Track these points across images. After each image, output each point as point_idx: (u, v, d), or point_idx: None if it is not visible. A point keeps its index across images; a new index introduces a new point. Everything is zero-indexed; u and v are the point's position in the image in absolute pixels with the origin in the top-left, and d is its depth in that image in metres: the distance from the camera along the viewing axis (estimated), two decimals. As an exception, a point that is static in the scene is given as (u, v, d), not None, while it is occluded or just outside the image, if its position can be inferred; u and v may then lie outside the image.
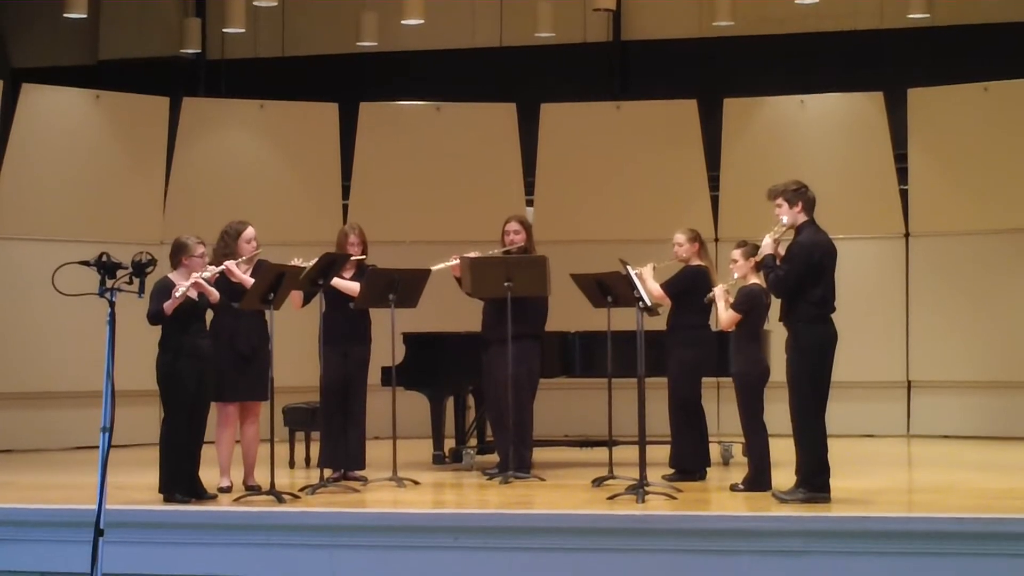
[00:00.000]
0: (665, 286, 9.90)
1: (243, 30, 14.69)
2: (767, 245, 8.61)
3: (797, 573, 7.54)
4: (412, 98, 14.74)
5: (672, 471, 9.89)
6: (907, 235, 13.88)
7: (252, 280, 9.20)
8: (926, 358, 13.69)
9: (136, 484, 9.38)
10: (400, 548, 7.93)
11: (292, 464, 11.29)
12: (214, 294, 8.94)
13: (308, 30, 15.83)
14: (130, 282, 6.62)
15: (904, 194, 13.94)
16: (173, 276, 8.86)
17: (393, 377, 10.21)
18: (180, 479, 8.73)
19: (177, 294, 8.63)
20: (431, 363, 11.08)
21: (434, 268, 10.16)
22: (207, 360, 8.89)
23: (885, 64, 14.76)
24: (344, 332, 9.89)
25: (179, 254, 8.93)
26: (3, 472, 11.07)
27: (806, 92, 14.32)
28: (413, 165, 14.32)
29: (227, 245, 9.43)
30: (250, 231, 9.48)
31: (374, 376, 10.34)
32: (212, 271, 9.06)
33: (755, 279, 9.22)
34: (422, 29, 14.30)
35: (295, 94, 14.62)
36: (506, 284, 9.90)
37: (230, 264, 9.25)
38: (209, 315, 9.16)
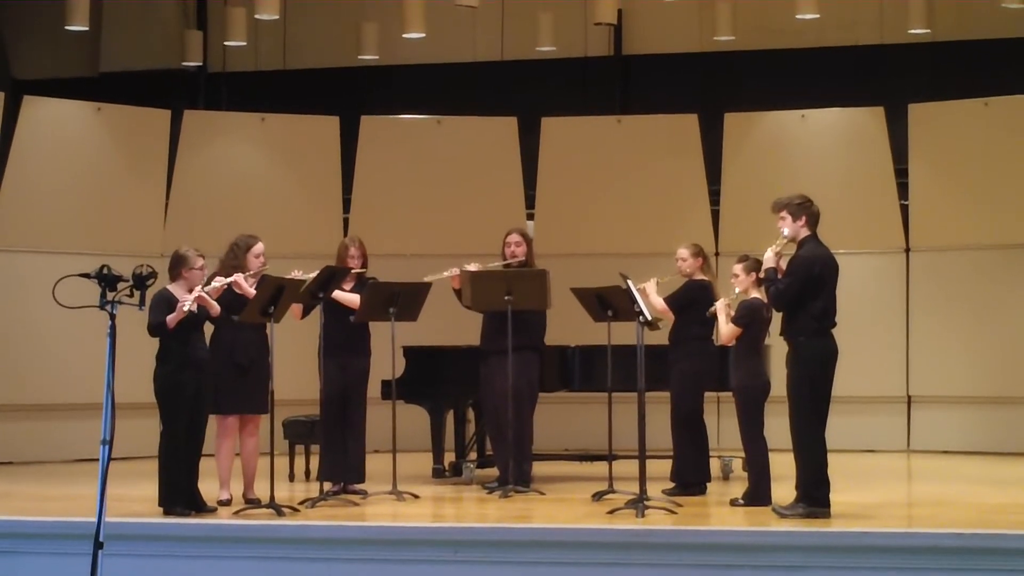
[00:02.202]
0: (668, 300, 9.91)
1: (244, 43, 14.71)
2: (769, 258, 8.61)
3: (797, 588, 7.55)
4: (413, 111, 14.75)
5: (672, 485, 9.89)
6: (907, 250, 13.89)
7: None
8: (926, 373, 13.69)
9: (136, 496, 9.38)
10: (400, 562, 7.92)
11: (292, 477, 11.29)
12: (215, 308, 8.94)
13: (309, 43, 15.84)
14: (131, 295, 6.62)
15: (905, 209, 13.95)
16: (172, 288, 8.86)
17: (393, 390, 10.20)
18: (179, 492, 8.73)
19: (185, 308, 8.63)
20: (431, 376, 11.08)
21: (431, 279, 10.14)
22: (205, 372, 8.89)
23: (886, 79, 14.79)
24: (343, 345, 9.89)
25: (179, 266, 8.94)
26: (3, 484, 11.07)
27: (807, 106, 14.34)
28: (414, 178, 14.33)
29: (236, 257, 9.44)
30: (259, 246, 9.50)
31: (374, 389, 10.34)
32: (221, 282, 9.07)
33: (756, 293, 9.22)
34: (423, 42, 14.31)
35: (296, 107, 14.64)
36: (506, 297, 9.91)
37: (239, 277, 9.25)
38: (209, 327, 9.16)
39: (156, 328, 8.69)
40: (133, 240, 13.24)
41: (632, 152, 14.37)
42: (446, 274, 10.28)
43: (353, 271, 10.00)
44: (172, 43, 15.73)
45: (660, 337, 9.85)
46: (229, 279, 9.18)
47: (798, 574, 7.56)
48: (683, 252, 10.08)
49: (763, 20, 14.83)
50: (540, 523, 8.63)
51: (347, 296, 9.95)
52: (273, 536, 8.16)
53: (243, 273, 9.32)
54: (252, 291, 9.24)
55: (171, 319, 8.64)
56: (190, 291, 8.81)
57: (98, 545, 6.36)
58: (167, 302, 8.71)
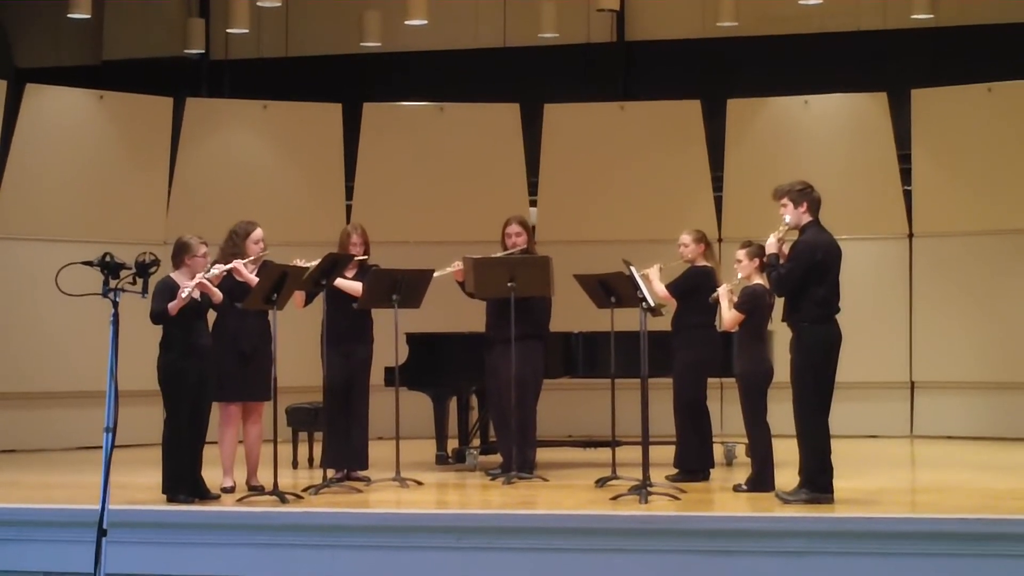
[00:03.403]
0: (670, 287, 9.90)
1: (247, 30, 14.71)
2: (771, 245, 8.61)
3: (800, 574, 7.54)
4: (415, 98, 14.74)
5: (676, 471, 9.90)
6: (910, 235, 13.88)
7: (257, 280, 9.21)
8: (929, 359, 13.69)
9: (139, 484, 9.39)
10: (403, 548, 7.93)
11: (295, 464, 11.30)
12: (217, 295, 8.94)
13: (311, 30, 15.84)
14: (133, 282, 6.63)
15: (908, 194, 13.94)
16: (175, 276, 8.86)
17: (396, 377, 10.20)
18: (183, 479, 8.74)
19: (184, 295, 8.64)
20: (434, 363, 11.08)
21: (436, 274, 10.15)
22: (209, 359, 8.89)
23: (889, 64, 14.77)
24: (346, 332, 9.89)
25: (181, 254, 8.94)
26: (7, 472, 11.09)
27: (810, 92, 14.32)
28: (416, 165, 14.33)
29: (235, 245, 9.43)
30: (258, 232, 9.49)
31: (377, 376, 10.35)
32: (220, 269, 9.07)
33: (759, 279, 9.22)
34: (425, 29, 14.31)
35: (298, 94, 14.63)
36: (509, 284, 9.90)
37: (239, 264, 9.25)
38: (212, 315, 9.16)
39: (158, 315, 8.69)
40: (136, 228, 13.24)
41: (635, 139, 14.36)
42: (450, 269, 10.28)
43: (355, 258, 10.00)
44: (174, 31, 15.73)
45: (663, 323, 9.86)
46: (228, 266, 9.18)
47: (801, 560, 7.57)
48: (685, 238, 10.07)
49: (766, 6, 14.81)
50: (543, 509, 8.63)
51: (349, 284, 9.95)
52: (276, 523, 8.17)
53: (243, 260, 9.31)
54: (252, 277, 9.25)
55: (172, 306, 8.65)
56: (193, 279, 8.81)
57: (102, 532, 6.37)
58: (170, 290, 8.71)
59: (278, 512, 8.38)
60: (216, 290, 8.94)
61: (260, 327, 9.33)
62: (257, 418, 9.52)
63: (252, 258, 9.37)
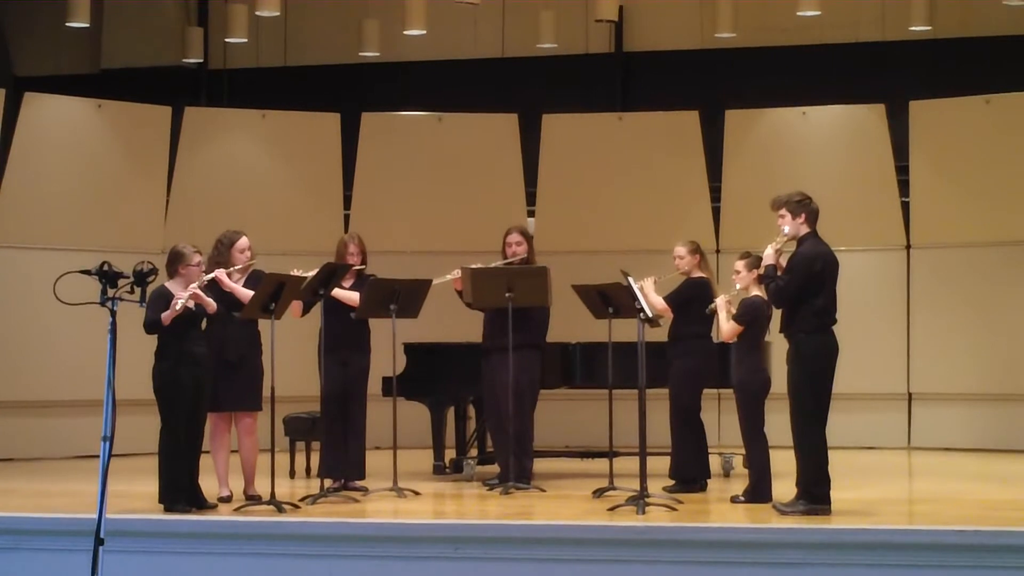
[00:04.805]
0: (667, 299, 9.90)
1: (245, 39, 14.71)
2: (768, 256, 8.61)
3: (797, 585, 7.55)
4: (414, 108, 14.75)
5: (673, 482, 9.89)
6: (908, 247, 13.88)
7: (244, 290, 9.21)
8: (927, 370, 13.69)
9: (136, 493, 9.38)
10: (400, 558, 7.92)
11: (292, 474, 11.29)
12: (212, 305, 8.91)
13: (310, 40, 15.85)
14: (131, 291, 6.62)
15: (905, 206, 13.94)
16: (170, 285, 8.84)
17: (394, 387, 10.21)
18: (180, 488, 8.73)
19: (177, 306, 8.62)
20: (432, 373, 11.08)
21: (435, 281, 10.16)
22: (204, 368, 8.87)
23: (887, 76, 14.78)
24: (344, 341, 9.89)
25: (176, 263, 8.92)
26: (4, 480, 11.07)
27: (808, 103, 14.33)
28: (415, 175, 14.33)
29: (220, 254, 9.41)
30: (244, 241, 9.46)
31: (375, 386, 10.34)
32: (201, 280, 9.02)
33: (757, 290, 9.21)
34: (424, 39, 14.31)
35: (297, 103, 14.63)
36: (507, 294, 9.90)
37: (220, 273, 9.21)
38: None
39: (151, 325, 8.67)
40: (134, 236, 13.24)
41: (633, 149, 14.37)
42: (449, 276, 10.28)
43: (353, 268, 9.99)
44: (173, 40, 15.74)
45: (660, 334, 9.86)
46: (209, 276, 9.11)
47: (798, 571, 7.56)
48: (680, 250, 10.07)
49: (764, 17, 14.83)
50: (541, 520, 8.62)
51: (346, 294, 9.95)
52: (274, 533, 8.16)
53: (228, 269, 9.28)
54: (235, 286, 9.23)
55: (166, 316, 8.63)
56: (187, 287, 8.80)
57: (99, 542, 6.36)
58: (164, 299, 8.69)
59: (275, 522, 8.38)
60: (210, 300, 8.91)
61: (247, 336, 9.32)
62: (249, 428, 9.48)
63: (238, 267, 9.35)
